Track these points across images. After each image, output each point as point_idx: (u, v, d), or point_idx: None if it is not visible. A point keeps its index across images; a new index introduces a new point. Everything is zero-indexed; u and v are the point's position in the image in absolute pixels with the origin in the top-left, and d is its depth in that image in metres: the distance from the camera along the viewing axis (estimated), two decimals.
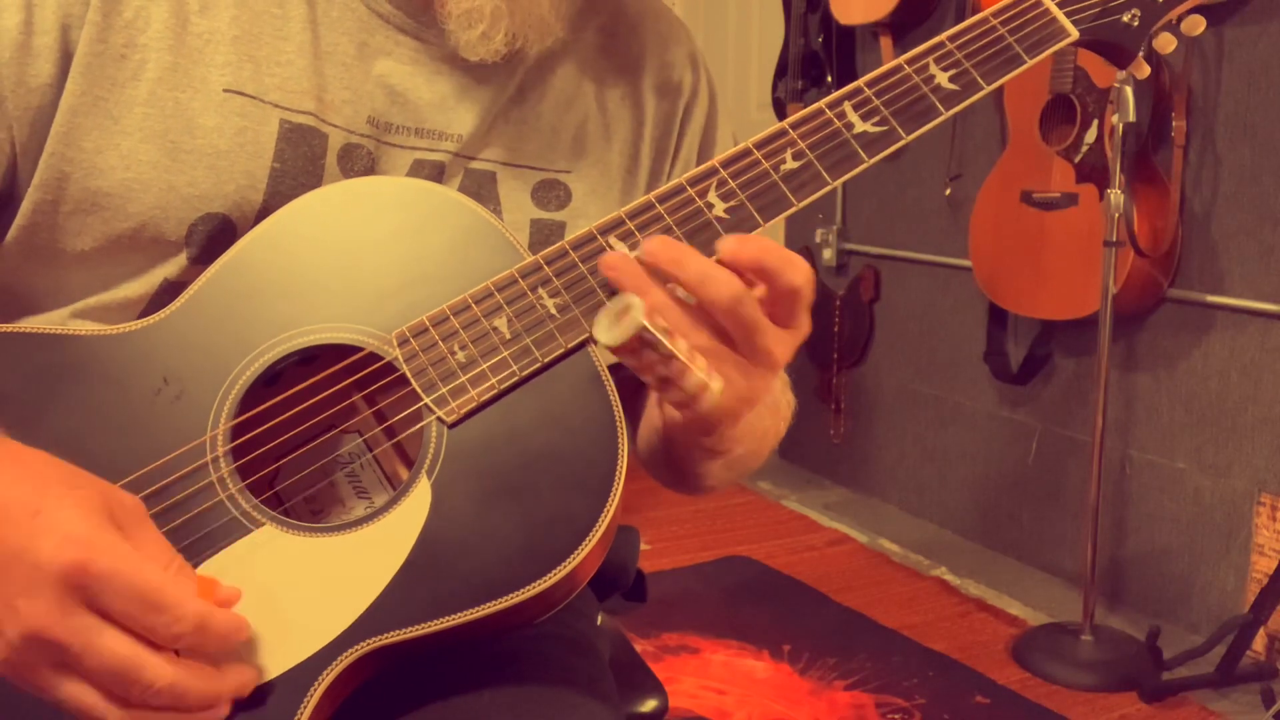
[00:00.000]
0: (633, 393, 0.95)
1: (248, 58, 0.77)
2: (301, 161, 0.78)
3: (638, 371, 0.67)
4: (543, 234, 0.85)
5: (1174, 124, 2.32)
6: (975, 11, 0.79)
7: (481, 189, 0.84)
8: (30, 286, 0.77)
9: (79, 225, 0.74)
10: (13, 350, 0.71)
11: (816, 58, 3.15)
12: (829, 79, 3.14)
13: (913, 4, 2.89)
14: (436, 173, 0.82)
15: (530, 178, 0.85)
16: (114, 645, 0.58)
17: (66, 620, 0.58)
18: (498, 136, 0.85)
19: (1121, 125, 2.17)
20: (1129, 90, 2.17)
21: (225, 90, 0.76)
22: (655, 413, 0.81)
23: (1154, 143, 2.38)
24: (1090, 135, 2.36)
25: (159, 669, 0.59)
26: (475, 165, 0.84)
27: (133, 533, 0.61)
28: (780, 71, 3.25)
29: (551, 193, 0.86)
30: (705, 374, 0.66)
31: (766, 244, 0.68)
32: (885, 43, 2.99)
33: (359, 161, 0.80)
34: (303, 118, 0.78)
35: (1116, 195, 2.19)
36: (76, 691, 0.59)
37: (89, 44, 0.74)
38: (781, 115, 3.22)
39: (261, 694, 0.65)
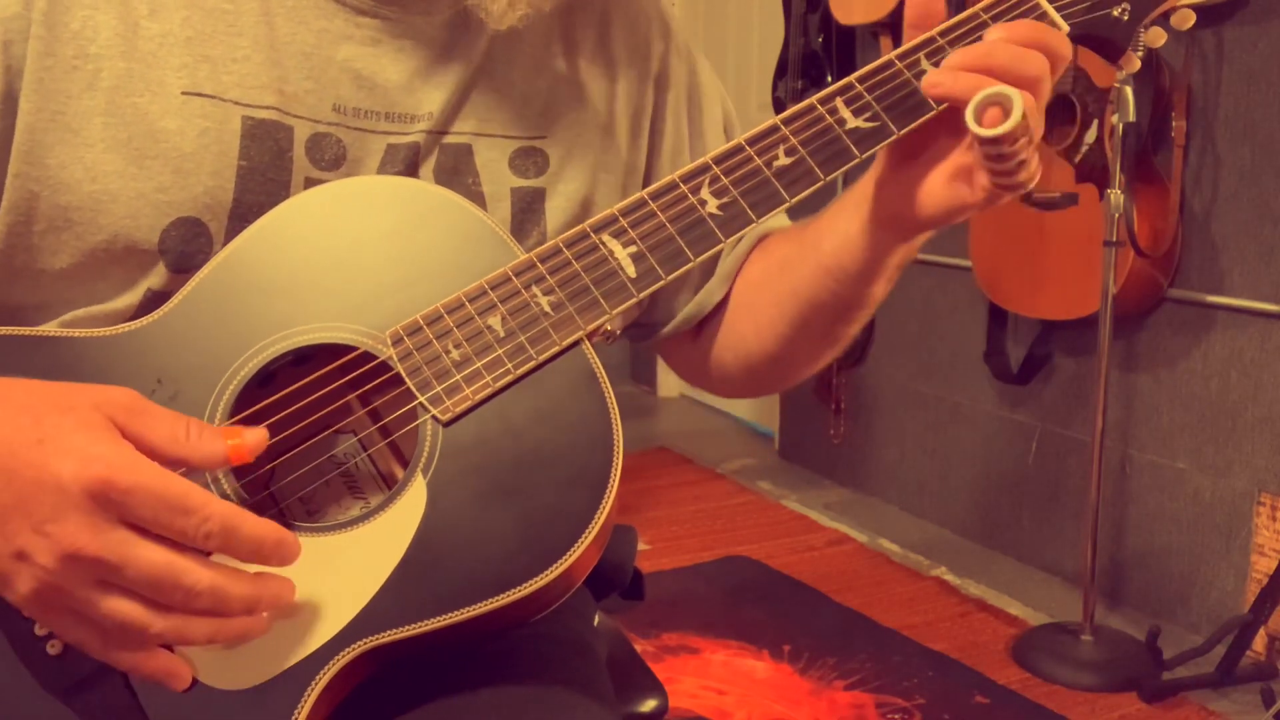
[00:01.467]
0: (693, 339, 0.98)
1: (203, 58, 0.76)
2: (268, 157, 0.77)
3: (997, 159, 0.69)
4: (524, 202, 0.84)
5: (1174, 124, 2.32)
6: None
7: (458, 162, 0.83)
8: (16, 304, 0.76)
9: (54, 243, 0.74)
10: (6, 352, 0.71)
11: (816, 58, 3.15)
12: (829, 79, 3.13)
13: None
14: (411, 154, 0.81)
15: (506, 146, 0.85)
16: (151, 554, 0.59)
17: (100, 536, 0.58)
18: (470, 108, 0.84)
19: (1121, 125, 2.17)
20: (1129, 90, 2.17)
21: (184, 93, 0.75)
22: (829, 252, 0.83)
23: (1154, 143, 2.38)
24: (1090, 135, 2.35)
25: (198, 572, 0.60)
26: (449, 140, 0.83)
27: (138, 426, 0.62)
28: (780, 71, 3.24)
29: (529, 160, 0.85)
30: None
31: (1037, 24, 0.73)
32: (885, 43, 2.98)
33: (329, 150, 0.79)
34: (265, 113, 0.77)
35: (1116, 195, 2.19)
36: (118, 605, 0.60)
37: (37, 59, 0.72)
38: None
39: (259, 693, 0.65)
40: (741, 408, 4.17)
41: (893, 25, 2.95)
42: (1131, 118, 2.17)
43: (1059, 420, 2.76)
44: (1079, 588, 2.44)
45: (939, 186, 0.74)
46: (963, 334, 2.99)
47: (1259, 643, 2.27)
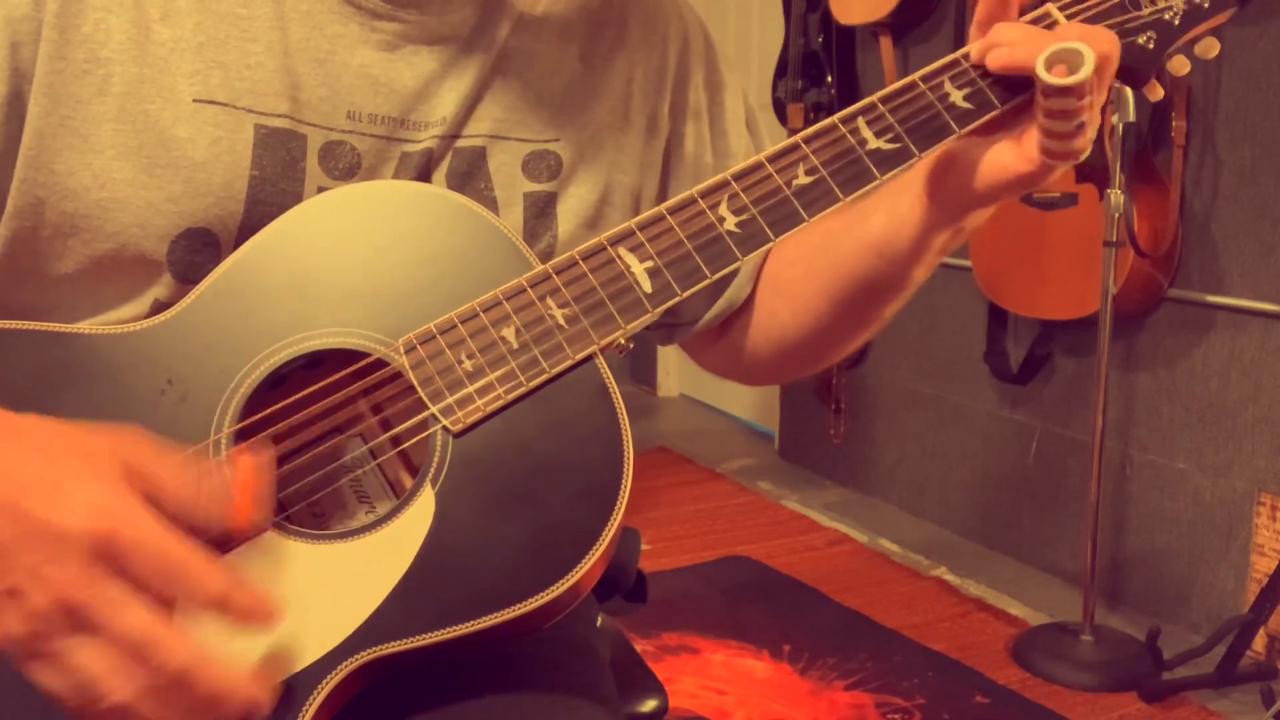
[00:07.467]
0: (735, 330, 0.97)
1: (215, 64, 0.75)
2: (280, 167, 0.76)
3: (1059, 116, 0.69)
4: (536, 207, 0.83)
5: (1174, 124, 2.32)
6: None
7: (471, 166, 0.82)
8: (23, 306, 0.75)
9: (60, 249, 0.73)
10: (16, 347, 0.71)
11: (816, 58, 3.15)
12: (829, 79, 3.13)
13: (913, 4, 2.88)
14: (424, 160, 0.80)
15: (520, 150, 0.84)
16: (137, 616, 0.58)
17: (95, 587, 0.58)
18: (484, 109, 0.83)
19: (1121, 125, 2.17)
20: (1129, 90, 2.17)
21: (195, 100, 0.74)
22: (878, 227, 0.82)
23: (1154, 143, 2.38)
24: None
25: (174, 649, 0.58)
26: (462, 143, 0.82)
27: (151, 474, 0.61)
28: (780, 71, 3.24)
29: (542, 163, 0.84)
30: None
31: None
32: (885, 43, 2.98)
33: (343, 159, 0.78)
34: (278, 121, 0.76)
35: (1116, 195, 2.19)
36: (88, 659, 0.58)
37: (47, 62, 0.71)
38: (781, 115, 3.21)
39: None
40: (741, 408, 4.17)
41: (893, 25, 2.95)
42: (1131, 118, 2.17)
43: (1059, 420, 2.76)
44: (1079, 588, 2.44)
45: (987, 161, 0.74)
46: (963, 334, 2.99)
47: (1259, 643, 2.27)
